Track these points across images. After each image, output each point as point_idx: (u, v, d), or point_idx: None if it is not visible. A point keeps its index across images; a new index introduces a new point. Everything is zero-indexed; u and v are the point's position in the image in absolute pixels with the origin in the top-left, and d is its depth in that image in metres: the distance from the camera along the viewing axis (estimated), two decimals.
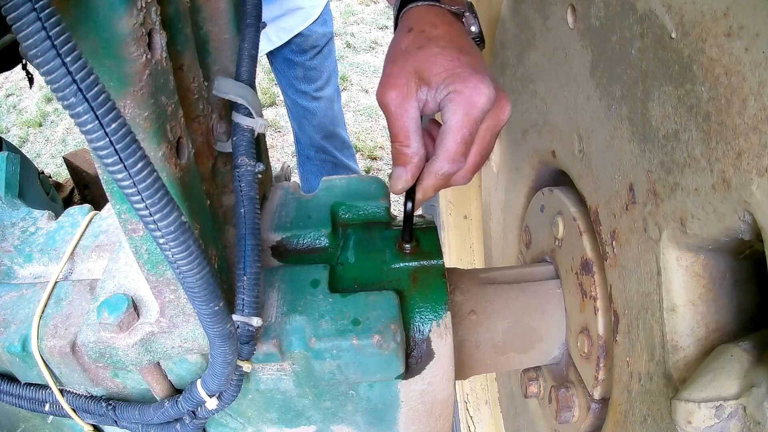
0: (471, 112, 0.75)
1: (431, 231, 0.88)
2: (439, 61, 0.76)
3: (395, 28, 0.89)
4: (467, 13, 0.88)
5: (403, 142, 0.78)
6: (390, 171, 0.83)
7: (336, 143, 2.69)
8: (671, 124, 0.59)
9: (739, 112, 0.49)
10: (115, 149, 0.43)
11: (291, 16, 2.28)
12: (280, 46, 2.36)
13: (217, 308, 0.60)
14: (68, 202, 1.89)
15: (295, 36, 2.34)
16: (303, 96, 2.51)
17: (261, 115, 0.73)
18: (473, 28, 0.87)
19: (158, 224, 0.49)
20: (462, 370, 0.93)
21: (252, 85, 0.73)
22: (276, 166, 1.06)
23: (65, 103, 0.40)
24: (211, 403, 0.73)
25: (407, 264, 0.83)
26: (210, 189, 0.76)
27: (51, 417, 0.84)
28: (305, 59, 2.43)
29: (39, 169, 1.44)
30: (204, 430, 0.87)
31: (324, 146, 2.66)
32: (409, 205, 0.81)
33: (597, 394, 0.86)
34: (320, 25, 2.38)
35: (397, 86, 0.76)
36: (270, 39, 2.31)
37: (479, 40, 0.89)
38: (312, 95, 2.52)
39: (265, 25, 0.73)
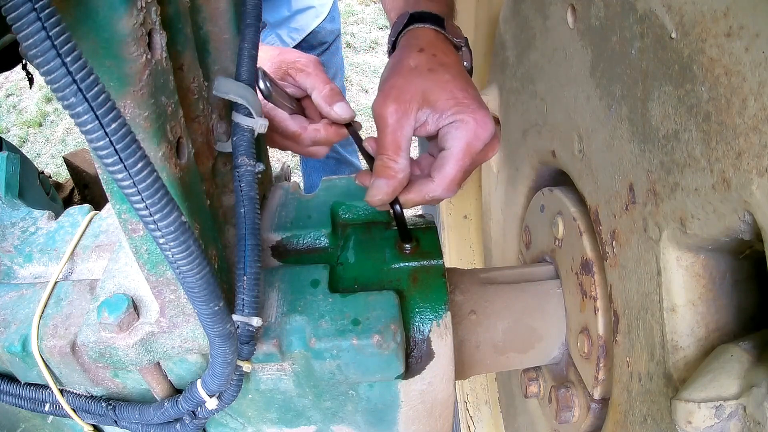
0: (474, 143, 0.76)
1: (431, 231, 0.88)
2: (449, 88, 0.77)
3: (394, 42, 0.89)
4: (464, 48, 0.89)
5: (392, 156, 0.78)
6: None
7: None
8: (671, 124, 0.59)
9: (739, 112, 0.49)
10: (115, 149, 0.43)
11: (302, 15, 2.28)
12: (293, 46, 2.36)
13: (217, 308, 0.60)
14: (68, 202, 1.88)
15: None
16: None
17: (261, 115, 0.73)
18: (465, 64, 0.89)
19: (158, 224, 0.49)
20: (462, 370, 0.93)
21: (252, 85, 0.73)
22: (276, 166, 1.06)
23: (65, 103, 0.40)
24: (211, 403, 0.73)
25: (407, 264, 0.83)
26: (210, 189, 0.76)
27: (51, 417, 0.84)
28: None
29: (39, 169, 1.44)
30: (204, 430, 0.87)
31: None
32: (397, 207, 0.81)
33: (597, 394, 0.86)
34: (328, 22, 2.39)
35: (399, 101, 0.77)
36: (283, 40, 2.31)
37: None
38: None
39: (265, 25, 0.73)
